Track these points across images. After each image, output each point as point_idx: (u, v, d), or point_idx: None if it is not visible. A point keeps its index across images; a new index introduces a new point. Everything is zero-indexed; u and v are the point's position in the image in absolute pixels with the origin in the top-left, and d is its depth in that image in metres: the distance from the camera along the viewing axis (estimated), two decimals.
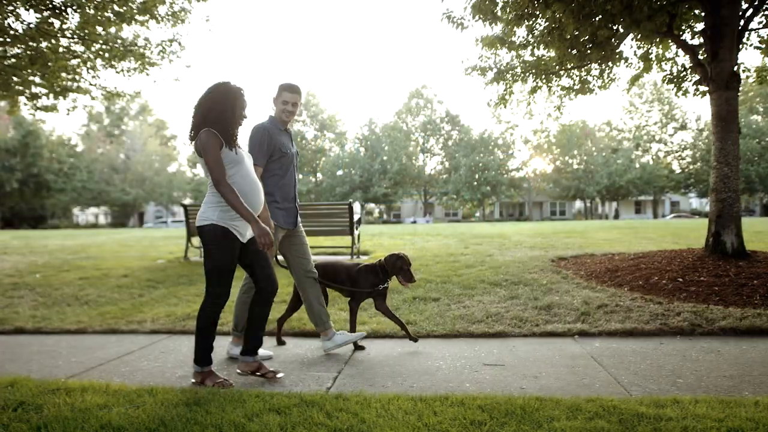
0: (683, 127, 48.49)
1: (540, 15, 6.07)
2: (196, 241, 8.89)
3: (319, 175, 53.09)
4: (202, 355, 3.16)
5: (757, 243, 9.25)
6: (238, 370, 3.31)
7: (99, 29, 9.10)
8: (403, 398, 2.76)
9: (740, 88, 6.40)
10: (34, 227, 40.51)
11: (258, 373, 3.29)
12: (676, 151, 48.88)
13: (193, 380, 3.19)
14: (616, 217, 53.60)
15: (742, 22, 6.43)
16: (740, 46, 8.00)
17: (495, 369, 3.49)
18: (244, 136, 4.25)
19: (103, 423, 2.44)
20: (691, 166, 47.44)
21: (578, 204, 57.87)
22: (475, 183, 48.28)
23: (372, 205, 58.78)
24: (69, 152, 44.36)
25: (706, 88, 6.79)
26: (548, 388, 3.06)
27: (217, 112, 3.03)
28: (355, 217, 8.49)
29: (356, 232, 8.57)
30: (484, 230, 15.28)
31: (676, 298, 4.98)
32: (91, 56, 9.14)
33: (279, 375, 3.33)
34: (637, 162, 48.26)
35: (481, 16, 6.51)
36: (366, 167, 49.36)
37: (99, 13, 8.55)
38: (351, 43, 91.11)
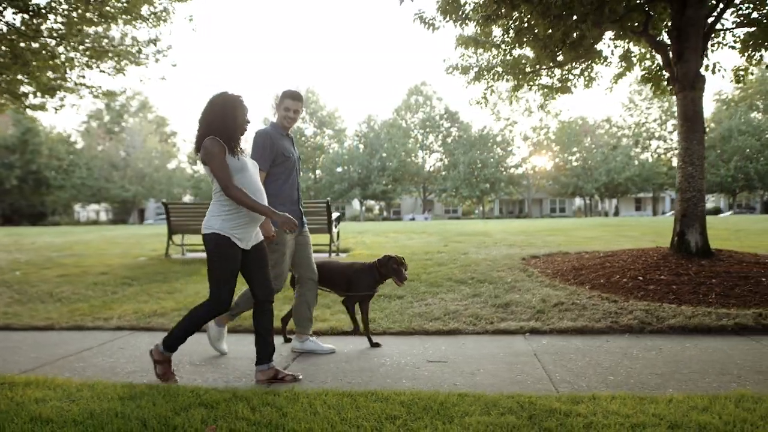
0: None
1: (506, 16, 6.12)
2: (177, 239, 9.00)
3: (318, 172, 53.19)
4: (173, 343, 3.23)
5: (733, 242, 9.32)
6: (256, 380, 3.27)
7: (86, 29, 9.22)
8: (331, 394, 2.85)
9: (740, 85, 6.44)
10: (34, 224, 40.75)
11: (277, 378, 3.25)
12: (675, 148, 48.71)
13: (155, 359, 3.25)
14: (616, 214, 53.53)
15: (712, 21, 6.48)
16: (710, 46, 8.06)
17: (437, 366, 3.57)
18: (246, 143, 4.36)
19: (33, 416, 2.54)
20: None
21: (578, 201, 57.81)
22: (474, 180, 48.29)
23: (372, 202, 58.90)
24: (68, 149, 44.60)
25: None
26: (480, 385, 3.14)
27: (219, 122, 3.13)
28: (334, 215, 8.57)
29: (335, 230, 8.65)
30: (472, 228, 15.34)
31: (633, 296, 5.06)
32: (70, 56, 9.25)
33: (299, 377, 3.30)
34: (636, 159, 48.16)
35: (452, 17, 6.56)
36: (365, 164, 49.42)
37: (81, 14, 8.66)
38: (350, 40, 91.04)
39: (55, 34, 8.82)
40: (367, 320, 4.14)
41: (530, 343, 4.11)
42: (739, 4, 7.67)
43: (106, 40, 9.72)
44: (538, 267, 6.57)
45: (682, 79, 6.06)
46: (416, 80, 69.71)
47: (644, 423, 2.40)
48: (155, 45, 9.31)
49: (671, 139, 49.29)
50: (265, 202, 3.30)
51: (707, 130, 47.05)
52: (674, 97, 8.76)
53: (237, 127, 3.17)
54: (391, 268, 4.03)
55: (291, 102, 3.88)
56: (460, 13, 6.30)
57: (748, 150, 42.17)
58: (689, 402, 2.65)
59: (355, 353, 3.94)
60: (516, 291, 5.47)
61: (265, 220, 3.43)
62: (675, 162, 48.97)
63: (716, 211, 50.05)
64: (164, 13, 9.38)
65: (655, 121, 49.53)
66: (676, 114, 6.28)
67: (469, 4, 6.57)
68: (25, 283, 6.75)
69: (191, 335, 3.27)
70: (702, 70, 8.63)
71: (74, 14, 8.71)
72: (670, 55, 7.05)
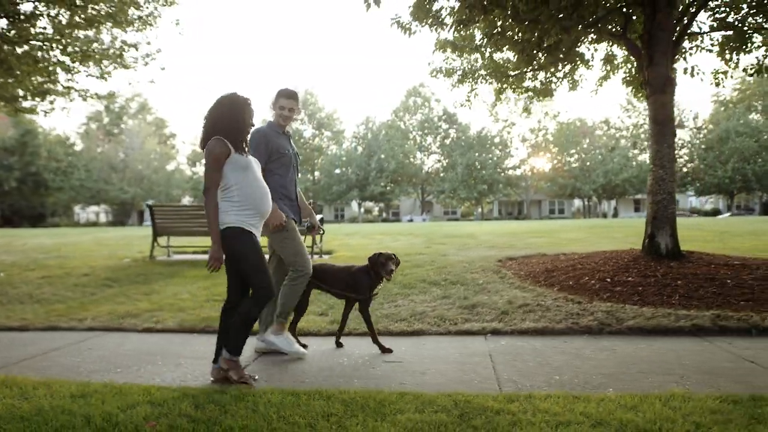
0: (680, 125, 48.32)
1: (481, 21, 6.20)
2: (162, 240, 9.09)
3: (317, 173, 53.31)
4: (235, 345, 3.22)
5: (716, 243, 9.37)
6: (218, 376, 3.30)
7: (76, 33, 9.34)
8: (276, 392, 2.94)
9: (739, 87, 6.48)
10: (34, 225, 40.91)
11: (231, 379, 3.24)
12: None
13: (223, 367, 3.23)
14: (615, 215, 53.51)
15: (684, 26, 6.56)
16: (689, 49, 8.14)
17: (391, 365, 3.66)
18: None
19: None
20: (688, 165, 47.32)
21: (577, 202, 57.81)
22: (472, 181, 48.36)
23: (371, 204, 58.94)
24: (67, 151, 44.80)
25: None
26: (426, 384, 3.22)
27: (226, 122, 3.22)
28: (317, 218, 8.65)
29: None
30: (462, 230, 15.41)
31: (599, 297, 5.13)
32: (61, 60, 9.37)
33: (255, 378, 3.32)
34: (634, 160, 48.17)
35: (428, 22, 6.65)
36: (363, 165, 49.53)
37: (70, 18, 8.78)
38: (349, 42, 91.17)
39: (41, 38, 8.95)
40: (371, 326, 4.06)
41: (489, 343, 4.19)
42: (715, 8, 7.76)
43: (95, 44, 9.85)
44: (512, 269, 6.65)
45: (653, 82, 6.13)
46: (415, 82, 69.76)
47: (569, 421, 2.48)
48: (137, 50, 9.42)
49: None
50: (270, 200, 3.40)
51: (705, 131, 46.81)
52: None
53: (242, 127, 3.28)
54: (379, 263, 4.06)
55: (285, 101, 3.98)
56: (432, 19, 6.37)
57: (745, 152, 42.15)
58: (620, 401, 2.72)
59: (317, 353, 4.02)
60: (485, 293, 5.54)
61: (273, 209, 3.54)
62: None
63: (715, 212, 50.03)
64: (150, 18, 9.50)
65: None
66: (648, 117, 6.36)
67: (445, 9, 6.66)
68: (8, 285, 6.85)
69: (249, 333, 3.26)
70: (681, 73, 8.72)
71: (62, 19, 8.84)
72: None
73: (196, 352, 4.09)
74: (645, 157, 49.62)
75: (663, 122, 6.09)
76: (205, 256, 8.02)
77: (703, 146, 45.55)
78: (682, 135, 48.71)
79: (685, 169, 47.16)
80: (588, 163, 49.09)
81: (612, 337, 4.31)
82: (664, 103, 6.12)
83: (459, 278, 6.18)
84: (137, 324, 4.94)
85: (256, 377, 3.38)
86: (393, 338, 4.42)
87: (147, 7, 9.58)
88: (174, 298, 5.94)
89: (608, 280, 5.53)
